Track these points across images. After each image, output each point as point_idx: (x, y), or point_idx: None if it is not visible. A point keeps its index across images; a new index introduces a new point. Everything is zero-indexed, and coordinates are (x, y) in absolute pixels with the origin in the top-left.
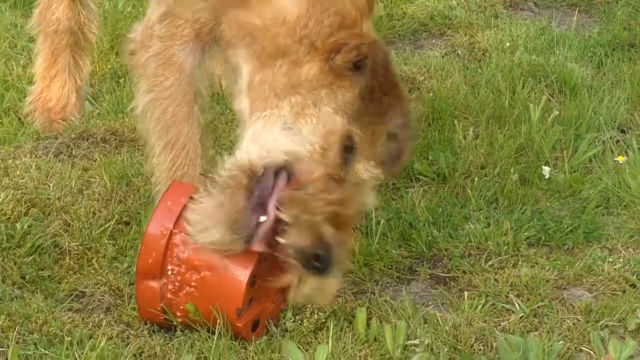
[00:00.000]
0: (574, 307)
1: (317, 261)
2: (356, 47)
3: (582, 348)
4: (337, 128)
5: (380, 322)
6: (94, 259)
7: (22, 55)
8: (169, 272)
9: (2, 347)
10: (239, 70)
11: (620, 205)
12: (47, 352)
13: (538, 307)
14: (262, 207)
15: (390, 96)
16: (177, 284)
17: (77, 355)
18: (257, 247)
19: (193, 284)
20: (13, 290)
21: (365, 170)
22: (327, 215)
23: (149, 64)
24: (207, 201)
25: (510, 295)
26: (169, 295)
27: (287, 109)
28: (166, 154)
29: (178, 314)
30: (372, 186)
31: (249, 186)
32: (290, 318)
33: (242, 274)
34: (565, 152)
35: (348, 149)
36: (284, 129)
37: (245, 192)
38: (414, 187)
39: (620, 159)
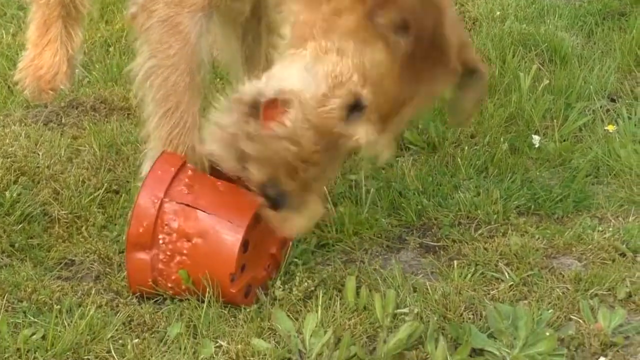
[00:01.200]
0: (563, 275)
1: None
2: (401, 9)
3: (572, 317)
4: (348, 83)
5: (370, 290)
6: (84, 228)
7: (11, 23)
8: (160, 242)
9: None
10: (288, 14)
11: (610, 174)
12: (36, 320)
13: (527, 275)
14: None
15: (434, 67)
16: (168, 253)
17: (66, 324)
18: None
19: (185, 252)
20: (2, 259)
21: (366, 135)
22: (285, 164)
23: (154, 29)
24: (213, 118)
25: (500, 264)
26: (160, 266)
27: (313, 51)
28: (164, 122)
29: (169, 284)
30: (368, 153)
31: (242, 112)
32: (280, 287)
33: (234, 239)
34: (555, 121)
35: (355, 108)
36: (301, 68)
37: (237, 116)
38: (403, 156)
39: (610, 128)
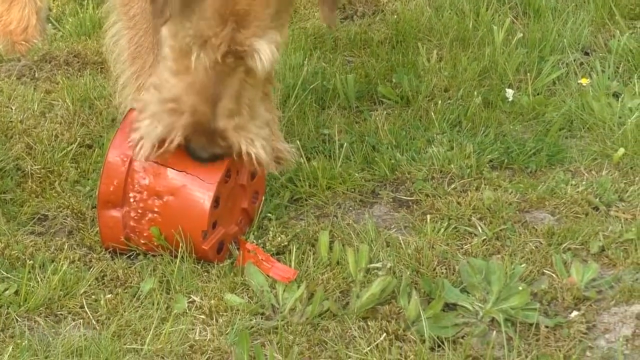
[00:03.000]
0: (536, 230)
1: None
2: None
3: (545, 271)
4: None
5: (343, 245)
6: (56, 182)
7: None
8: (131, 200)
9: None
10: None
11: (583, 128)
12: (9, 275)
13: (500, 230)
14: None
15: None
16: (139, 211)
17: (39, 279)
18: None
19: (156, 209)
20: None
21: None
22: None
23: None
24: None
25: (473, 218)
26: (132, 223)
27: None
28: (132, 82)
29: (142, 241)
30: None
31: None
32: (253, 241)
33: (205, 196)
34: (528, 74)
35: None
36: None
37: None
38: (377, 110)
39: (584, 81)
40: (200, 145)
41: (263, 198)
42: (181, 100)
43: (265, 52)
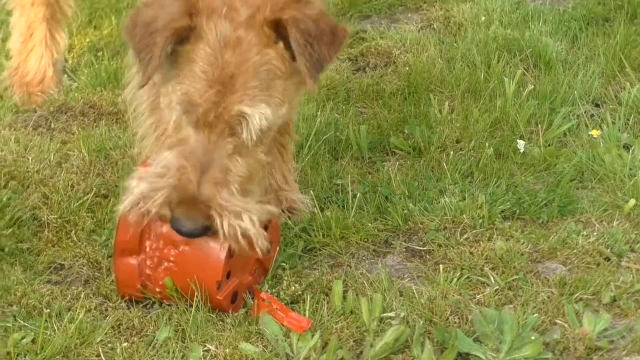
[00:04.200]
0: (548, 280)
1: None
2: None
3: (557, 321)
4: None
5: (357, 295)
6: (73, 232)
7: (0, 29)
8: (147, 249)
9: None
10: None
11: (594, 179)
12: (26, 324)
13: (513, 280)
14: None
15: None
16: (155, 259)
17: (56, 328)
18: None
19: (172, 259)
20: None
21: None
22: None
23: None
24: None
25: (486, 268)
26: (148, 272)
27: None
28: (151, 135)
29: (157, 289)
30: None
31: None
32: (267, 291)
33: (220, 247)
34: (540, 126)
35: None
36: None
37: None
38: (390, 161)
39: (595, 133)
40: (184, 214)
41: (278, 248)
42: (170, 166)
43: (253, 119)
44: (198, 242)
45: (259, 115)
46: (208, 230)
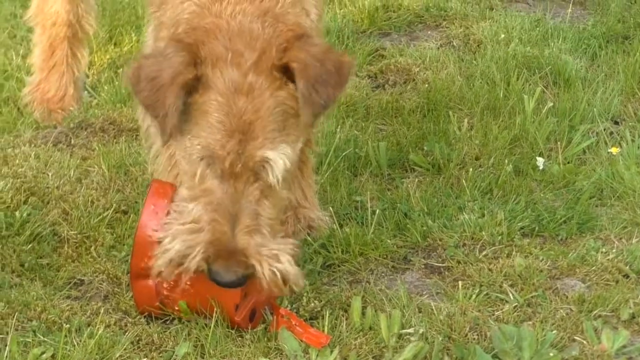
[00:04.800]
0: (567, 297)
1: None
2: None
3: (575, 338)
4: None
5: (375, 311)
6: (92, 248)
7: (21, 45)
8: None
9: (1, 334)
10: None
11: (613, 196)
12: (45, 339)
13: (532, 297)
14: None
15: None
16: (172, 282)
17: (75, 343)
18: None
19: (188, 282)
20: (12, 278)
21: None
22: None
23: None
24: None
25: (504, 285)
26: (165, 292)
27: None
28: (163, 153)
29: (176, 307)
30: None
31: None
32: (287, 306)
33: None
34: (559, 143)
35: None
36: None
37: None
38: (409, 178)
39: (614, 150)
40: (223, 267)
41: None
42: (200, 220)
43: (276, 162)
44: None
45: (281, 158)
46: (247, 279)
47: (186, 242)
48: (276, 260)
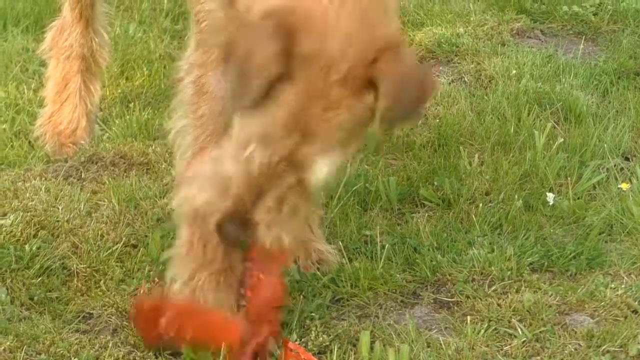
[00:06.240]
0: (576, 332)
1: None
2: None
3: None
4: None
5: (384, 345)
6: (102, 281)
7: (33, 79)
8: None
9: None
10: None
11: (623, 232)
12: None
13: (540, 332)
14: None
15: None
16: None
17: None
18: None
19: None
20: (21, 311)
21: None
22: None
23: (186, 90)
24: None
25: (513, 320)
26: (171, 334)
27: None
28: None
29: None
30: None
31: None
32: (296, 340)
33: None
34: (569, 179)
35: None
36: None
37: None
38: (418, 213)
39: (624, 186)
40: (230, 227)
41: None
42: (230, 183)
43: (322, 169)
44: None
45: (329, 165)
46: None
47: (207, 201)
48: (278, 239)
